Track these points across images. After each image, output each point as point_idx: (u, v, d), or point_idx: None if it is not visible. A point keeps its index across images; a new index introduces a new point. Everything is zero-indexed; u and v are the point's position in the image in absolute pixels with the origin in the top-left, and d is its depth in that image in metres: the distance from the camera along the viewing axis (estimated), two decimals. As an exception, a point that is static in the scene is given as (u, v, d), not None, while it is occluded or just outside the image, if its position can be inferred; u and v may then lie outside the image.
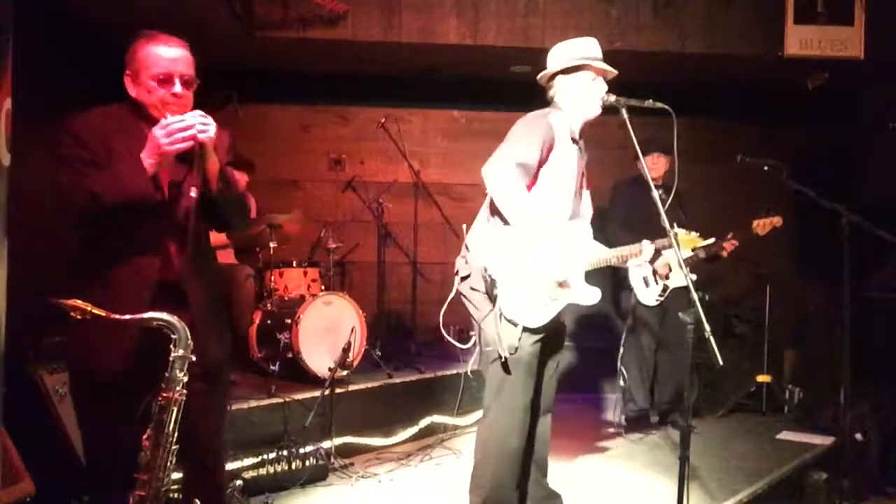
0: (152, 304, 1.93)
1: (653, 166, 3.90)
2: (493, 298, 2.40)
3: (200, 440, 2.12)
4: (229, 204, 2.12)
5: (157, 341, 1.88)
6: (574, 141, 2.54)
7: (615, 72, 2.53)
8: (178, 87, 1.98)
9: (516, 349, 2.39)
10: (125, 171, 1.91)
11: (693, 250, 2.86)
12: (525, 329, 2.41)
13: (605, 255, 2.61)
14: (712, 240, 2.80)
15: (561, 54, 2.55)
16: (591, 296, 2.53)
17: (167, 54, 1.98)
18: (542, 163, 2.43)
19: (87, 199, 1.87)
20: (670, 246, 2.63)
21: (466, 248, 2.56)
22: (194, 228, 2.09)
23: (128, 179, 1.90)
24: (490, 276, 2.39)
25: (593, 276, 2.61)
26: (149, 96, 1.98)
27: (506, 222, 2.43)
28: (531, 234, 2.39)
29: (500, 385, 2.45)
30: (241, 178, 4.08)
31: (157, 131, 1.90)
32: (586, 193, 2.70)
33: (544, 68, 2.59)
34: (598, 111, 2.53)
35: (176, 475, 1.99)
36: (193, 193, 2.02)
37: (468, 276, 2.50)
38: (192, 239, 2.08)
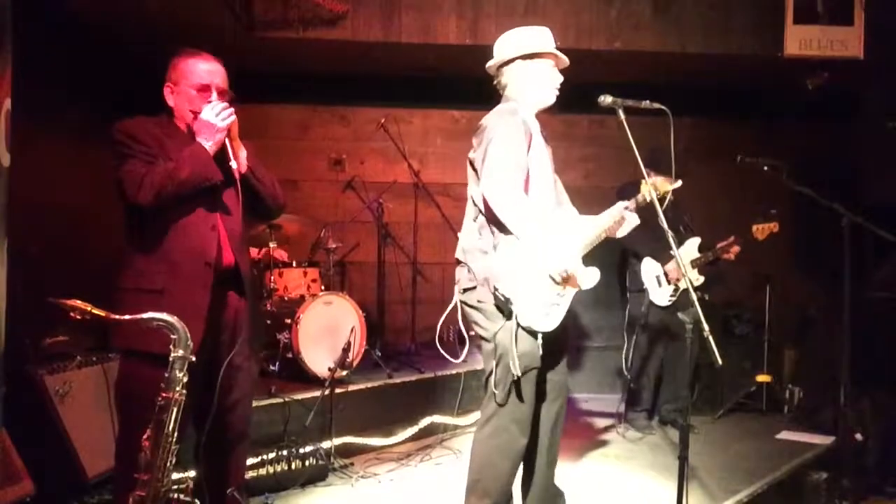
0: (216, 286, 2.16)
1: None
2: (508, 314, 2.35)
3: (238, 418, 2.34)
4: (264, 186, 2.33)
5: (212, 323, 2.14)
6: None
7: (567, 62, 2.56)
8: (214, 96, 2.19)
9: (526, 370, 2.33)
10: (190, 152, 2.10)
11: (665, 194, 2.77)
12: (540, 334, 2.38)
13: (593, 230, 2.51)
14: (679, 182, 2.80)
15: (519, 41, 2.53)
16: (591, 278, 2.43)
17: (206, 67, 2.21)
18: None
19: (161, 179, 2.04)
20: (659, 194, 2.58)
21: (464, 259, 2.50)
22: (239, 216, 2.27)
23: (195, 158, 2.09)
24: (503, 294, 2.32)
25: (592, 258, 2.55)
26: (187, 105, 2.18)
27: (501, 230, 2.38)
28: (532, 238, 2.34)
29: (504, 398, 2.39)
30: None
31: (207, 114, 2.12)
32: (557, 179, 2.67)
33: None
34: (553, 100, 2.55)
35: (176, 475, 1.99)
36: (234, 165, 2.17)
37: (472, 289, 2.45)
38: (238, 226, 2.27)
